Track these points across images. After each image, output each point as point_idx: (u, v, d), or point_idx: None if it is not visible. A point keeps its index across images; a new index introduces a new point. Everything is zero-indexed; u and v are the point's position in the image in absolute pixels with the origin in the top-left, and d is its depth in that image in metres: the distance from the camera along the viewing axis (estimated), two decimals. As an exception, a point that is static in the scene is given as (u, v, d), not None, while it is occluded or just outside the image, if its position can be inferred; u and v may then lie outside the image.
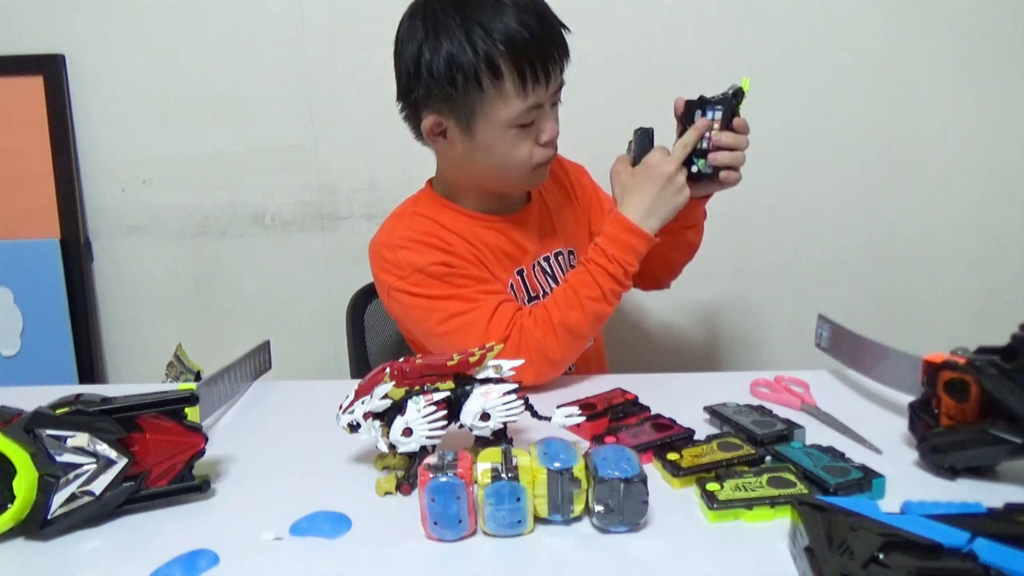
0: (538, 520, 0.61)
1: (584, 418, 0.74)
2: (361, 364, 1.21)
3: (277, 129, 1.53)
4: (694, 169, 0.95)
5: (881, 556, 0.50)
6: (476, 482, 0.60)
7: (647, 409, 0.83)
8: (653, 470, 0.70)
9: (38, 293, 1.56)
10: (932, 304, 1.55)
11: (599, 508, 0.60)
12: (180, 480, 0.67)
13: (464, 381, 0.70)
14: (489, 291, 0.96)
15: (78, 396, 0.66)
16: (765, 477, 0.65)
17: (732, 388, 0.89)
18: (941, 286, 1.54)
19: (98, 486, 0.63)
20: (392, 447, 0.69)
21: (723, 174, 0.95)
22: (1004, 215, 1.51)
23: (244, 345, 1.00)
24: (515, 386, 0.70)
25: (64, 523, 0.62)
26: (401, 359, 0.71)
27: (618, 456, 0.61)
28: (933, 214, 1.51)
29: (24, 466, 0.60)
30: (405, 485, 0.68)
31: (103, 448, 0.63)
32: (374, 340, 1.25)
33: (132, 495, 0.65)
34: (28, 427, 0.62)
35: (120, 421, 0.64)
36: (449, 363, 0.70)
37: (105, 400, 0.65)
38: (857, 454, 0.70)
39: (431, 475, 0.59)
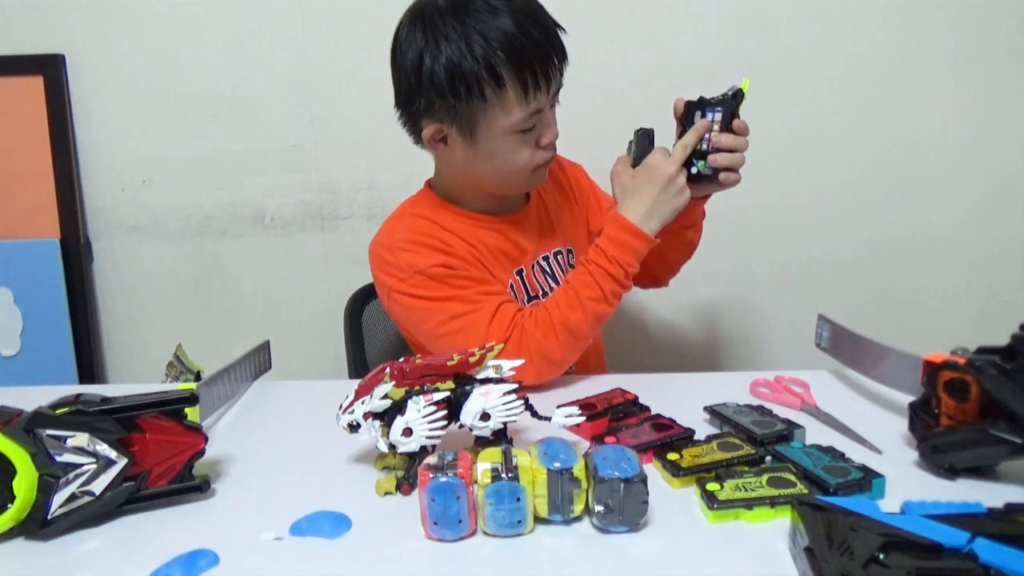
0: (538, 520, 0.61)
1: (584, 418, 0.74)
2: (360, 364, 1.21)
3: (277, 129, 1.53)
4: (694, 170, 0.95)
5: (881, 556, 0.50)
6: (476, 482, 0.60)
7: (647, 409, 0.83)
8: (653, 470, 0.70)
9: (38, 293, 1.56)
10: (932, 304, 1.55)
11: (599, 508, 0.60)
12: (180, 480, 0.67)
13: (464, 381, 0.70)
14: (489, 292, 0.97)
15: (78, 396, 0.66)
16: (765, 477, 0.65)
17: (732, 388, 0.89)
18: (941, 286, 1.54)
19: (98, 486, 0.63)
20: (392, 447, 0.69)
21: (722, 175, 0.95)
22: (1004, 215, 1.51)
23: (244, 345, 1.00)
24: (515, 386, 0.70)
25: (64, 523, 0.62)
26: (401, 359, 0.71)
27: (618, 456, 0.61)
28: (933, 214, 1.51)
29: (24, 466, 0.60)
30: (405, 485, 0.68)
31: (103, 448, 0.63)
32: (373, 340, 1.25)
33: (132, 495, 0.65)
34: (28, 427, 0.62)
35: (120, 421, 0.64)
36: (449, 363, 0.70)
37: (105, 400, 0.65)
38: (857, 454, 0.70)
39: (431, 475, 0.59)
